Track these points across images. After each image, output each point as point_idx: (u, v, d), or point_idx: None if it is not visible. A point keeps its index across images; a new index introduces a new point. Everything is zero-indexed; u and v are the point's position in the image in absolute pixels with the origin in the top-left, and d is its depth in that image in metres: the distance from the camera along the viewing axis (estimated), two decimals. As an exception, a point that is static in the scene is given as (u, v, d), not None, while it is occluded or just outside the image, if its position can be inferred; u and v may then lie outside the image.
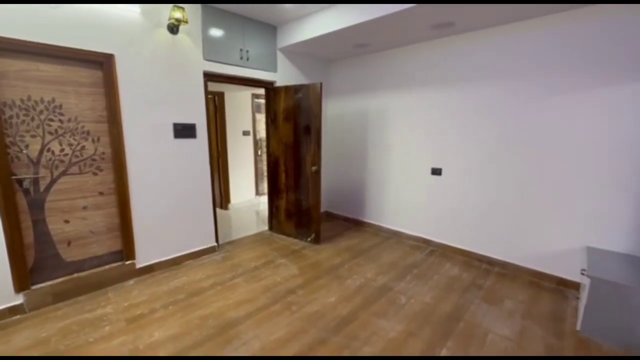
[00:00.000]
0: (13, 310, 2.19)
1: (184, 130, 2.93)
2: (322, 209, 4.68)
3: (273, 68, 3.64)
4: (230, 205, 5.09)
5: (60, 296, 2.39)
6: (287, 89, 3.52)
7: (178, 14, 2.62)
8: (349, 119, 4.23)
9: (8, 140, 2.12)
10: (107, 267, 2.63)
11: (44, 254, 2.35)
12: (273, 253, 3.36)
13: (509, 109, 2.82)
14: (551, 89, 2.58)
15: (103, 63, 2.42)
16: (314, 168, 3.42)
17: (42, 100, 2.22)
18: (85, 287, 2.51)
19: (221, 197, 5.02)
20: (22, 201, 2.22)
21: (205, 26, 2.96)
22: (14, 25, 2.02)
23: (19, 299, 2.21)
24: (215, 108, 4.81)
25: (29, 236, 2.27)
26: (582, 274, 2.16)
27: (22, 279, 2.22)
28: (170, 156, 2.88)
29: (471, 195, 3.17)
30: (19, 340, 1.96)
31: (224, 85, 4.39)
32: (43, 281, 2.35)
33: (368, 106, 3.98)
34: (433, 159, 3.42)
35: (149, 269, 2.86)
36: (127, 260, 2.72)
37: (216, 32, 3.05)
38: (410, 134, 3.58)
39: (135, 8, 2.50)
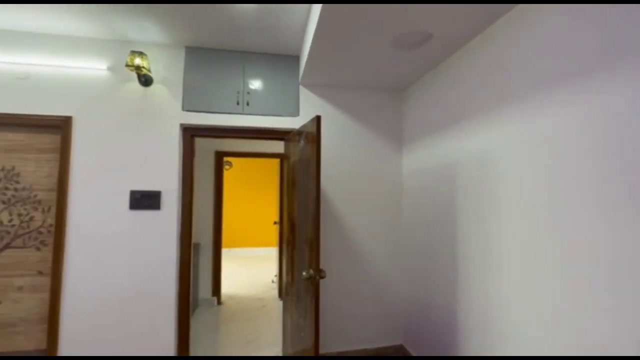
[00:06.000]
0: None
1: (144, 200, 2.25)
2: (391, 340, 2.61)
3: (293, 111, 2.53)
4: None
5: (-35, 396, 2.00)
6: (293, 136, 2.26)
7: (138, 61, 2.15)
8: (429, 180, 2.29)
9: (-36, 209, 2.11)
10: (24, 369, 2.09)
11: (-31, 338, 2.08)
12: None
13: None
14: None
15: (61, 126, 2.20)
16: (306, 274, 1.80)
17: (2, 169, 2.16)
18: (-8, 391, 2.03)
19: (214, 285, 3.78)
20: (-38, 274, 2.10)
21: (189, 71, 2.37)
22: (-18, 99, 2.10)
23: None
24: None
25: (-40, 314, 2.08)
26: None
27: (-62, 363, 1.99)
28: (121, 234, 2.22)
29: None
30: None
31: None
32: (-44, 371, 2.05)
33: (455, 152, 1.97)
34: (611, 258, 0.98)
35: (70, 386, 2.10)
36: (47, 366, 2.10)
37: (202, 77, 2.39)
38: (550, 201, 1.30)
39: (102, 65, 2.23)
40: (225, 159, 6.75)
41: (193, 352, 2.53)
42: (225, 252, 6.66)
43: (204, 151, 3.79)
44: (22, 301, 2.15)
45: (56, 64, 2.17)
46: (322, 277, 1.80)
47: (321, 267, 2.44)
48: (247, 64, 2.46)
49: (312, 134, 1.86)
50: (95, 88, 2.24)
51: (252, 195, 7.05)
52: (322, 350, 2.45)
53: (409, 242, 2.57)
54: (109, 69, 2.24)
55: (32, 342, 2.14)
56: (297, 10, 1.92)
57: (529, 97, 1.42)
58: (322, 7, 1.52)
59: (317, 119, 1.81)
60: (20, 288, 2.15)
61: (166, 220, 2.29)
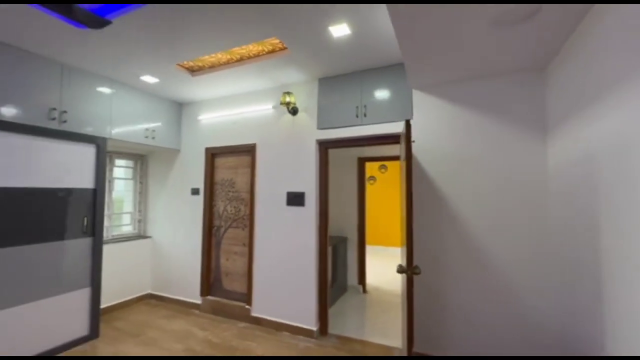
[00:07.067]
0: (195, 306, 3.58)
1: (294, 199, 3.07)
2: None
3: (406, 115, 2.64)
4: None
5: (215, 311, 3.47)
6: (401, 139, 2.39)
7: (288, 98, 3.00)
8: (584, 172, 1.78)
9: (213, 203, 3.66)
10: (238, 303, 3.36)
11: (216, 278, 3.58)
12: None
13: None
14: None
15: (251, 150, 3.38)
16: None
17: (226, 179, 3.59)
18: (224, 312, 3.40)
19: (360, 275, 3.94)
20: (213, 240, 3.64)
21: (321, 97, 3.01)
22: (218, 140, 3.58)
23: (199, 300, 3.57)
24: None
25: (213, 263, 3.62)
26: None
27: (205, 287, 3.58)
28: (281, 222, 3.13)
29: None
30: (181, 325, 3.20)
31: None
32: (211, 295, 3.57)
33: (595, 139, 1.49)
34: None
35: (257, 321, 3.18)
36: (247, 304, 3.28)
37: (330, 99, 2.96)
38: None
39: (269, 106, 3.26)
40: (382, 163, 7.26)
41: (331, 322, 3.12)
42: (379, 250, 7.14)
43: (349, 158, 4.43)
44: (237, 261, 3.47)
45: (247, 111, 3.38)
46: (415, 274, 1.88)
47: (440, 274, 2.42)
48: (363, 80, 2.82)
49: (404, 136, 1.99)
50: (266, 122, 3.29)
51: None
52: (439, 353, 2.40)
53: (559, 251, 2.04)
54: (273, 107, 3.24)
55: (241, 287, 3.41)
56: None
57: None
58: (387, 7, 1.61)
59: (406, 123, 1.92)
60: (235, 252, 3.49)
61: (308, 214, 3.00)
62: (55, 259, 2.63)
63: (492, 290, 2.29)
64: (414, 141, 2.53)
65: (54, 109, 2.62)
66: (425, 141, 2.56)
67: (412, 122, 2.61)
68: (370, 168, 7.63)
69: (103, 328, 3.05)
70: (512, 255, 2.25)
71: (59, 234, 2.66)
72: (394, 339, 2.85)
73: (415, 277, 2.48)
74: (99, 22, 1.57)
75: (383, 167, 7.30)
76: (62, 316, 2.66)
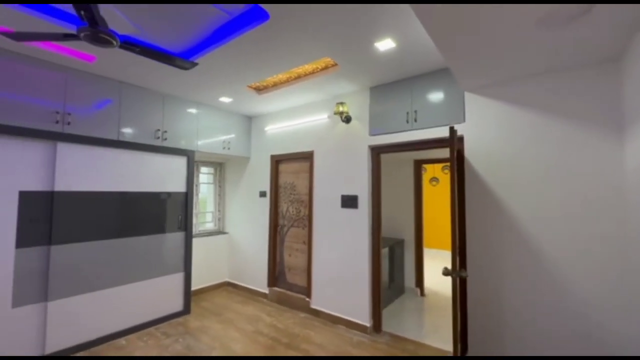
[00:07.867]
0: (263, 295, 4.06)
1: (348, 201, 3.28)
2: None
3: (458, 118, 2.62)
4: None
5: (279, 300, 3.89)
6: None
7: (341, 108, 3.23)
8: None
9: (277, 204, 4.10)
10: (299, 295, 3.71)
11: (280, 271, 4.00)
12: (390, 375, 2.37)
13: None
14: None
15: (309, 157, 3.71)
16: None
17: (288, 183, 3.99)
18: (287, 302, 3.79)
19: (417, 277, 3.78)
20: (278, 238, 4.07)
21: (372, 105, 3.16)
22: (281, 148, 4.01)
23: (266, 290, 4.04)
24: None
25: (277, 258, 4.05)
26: None
27: (272, 279, 4.03)
28: (336, 223, 3.36)
29: None
30: (252, 310, 3.71)
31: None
32: (277, 286, 4.00)
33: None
34: None
35: (316, 313, 3.47)
36: (307, 297, 3.60)
37: (381, 107, 3.09)
38: None
39: (324, 116, 3.53)
40: (444, 164, 6.97)
41: (386, 321, 3.24)
42: (443, 254, 6.83)
43: (405, 161, 4.44)
44: (298, 257, 3.83)
45: (305, 121, 3.72)
46: (461, 277, 1.91)
47: (495, 282, 2.36)
48: (413, 86, 2.87)
49: (450, 142, 2.03)
50: (322, 131, 3.57)
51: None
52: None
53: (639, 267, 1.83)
54: (328, 117, 3.51)
55: (302, 281, 3.76)
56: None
57: None
58: (413, 7, 1.71)
59: (450, 129, 1.97)
60: (297, 250, 3.85)
61: (361, 216, 3.18)
62: (159, 248, 3.34)
63: (555, 306, 2.14)
64: (460, 150, 2.50)
65: (158, 129, 3.33)
66: (479, 145, 2.50)
67: (464, 125, 2.58)
68: (434, 169, 7.37)
69: (193, 306, 3.72)
70: (583, 270, 2.07)
71: (161, 228, 3.37)
72: (449, 343, 2.83)
73: (470, 284, 2.46)
74: (190, 65, 2.04)
75: (446, 167, 6.98)
76: (163, 293, 3.35)
